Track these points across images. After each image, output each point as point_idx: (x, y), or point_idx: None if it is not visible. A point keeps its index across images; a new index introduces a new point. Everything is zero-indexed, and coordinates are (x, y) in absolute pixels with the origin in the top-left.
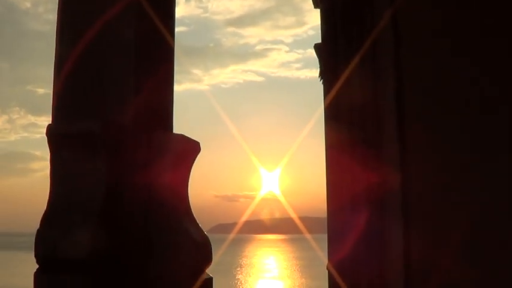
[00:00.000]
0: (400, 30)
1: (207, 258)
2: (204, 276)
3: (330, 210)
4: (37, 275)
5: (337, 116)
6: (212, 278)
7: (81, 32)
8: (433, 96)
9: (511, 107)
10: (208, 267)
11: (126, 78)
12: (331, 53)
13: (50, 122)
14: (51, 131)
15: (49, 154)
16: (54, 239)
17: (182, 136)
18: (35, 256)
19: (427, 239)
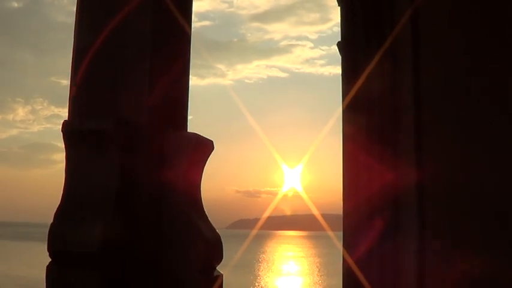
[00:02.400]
0: (419, 29)
1: (218, 256)
2: (214, 273)
3: (346, 208)
4: (49, 268)
5: (355, 113)
6: (222, 274)
7: (98, 29)
8: (450, 96)
9: None
10: (218, 264)
11: (142, 78)
12: (351, 50)
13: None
14: (66, 127)
15: (64, 149)
16: (66, 234)
17: (195, 135)
18: (48, 249)
19: (443, 239)
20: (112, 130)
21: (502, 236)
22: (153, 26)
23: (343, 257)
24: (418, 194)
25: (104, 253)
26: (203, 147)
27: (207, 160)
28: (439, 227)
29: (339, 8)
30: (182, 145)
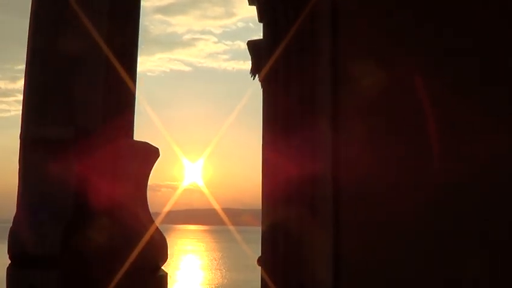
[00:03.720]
0: (338, 24)
1: (164, 256)
2: (160, 272)
3: (265, 206)
4: (9, 269)
5: (274, 110)
6: (167, 274)
7: (51, 41)
8: (369, 93)
9: (445, 96)
10: (163, 264)
11: (96, 89)
12: (270, 53)
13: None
14: (24, 134)
15: (19, 155)
16: (26, 237)
17: (145, 143)
18: (8, 252)
19: (358, 236)
20: (71, 138)
21: (415, 231)
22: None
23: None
24: (333, 192)
25: (63, 255)
26: (152, 154)
27: (153, 166)
28: (353, 218)
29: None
30: (133, 153)
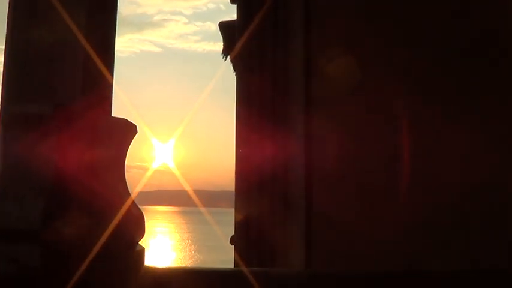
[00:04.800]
0: (310, 10)
1: (141, 231)
2: (137, 247)
3: (238, 187)
4: None
5: (247, 93)
6: (144, 248)
7: (33, 16)
8: (341, 78)
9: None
10: (141, 239)
11: (75, 66)
12: (243, 33)
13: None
14: (4, 111)
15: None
16: (8, 211)
17: (124, 119)
18: None
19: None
20: (50, 114)
21: (388, 212)
22: (87, 24)
23: (235, 231)
24: (306, 171)
25: (45, 229)
26: (129, 130)
27: (131, 142)
28: (325, 206)
29: None
30: (112, 128)
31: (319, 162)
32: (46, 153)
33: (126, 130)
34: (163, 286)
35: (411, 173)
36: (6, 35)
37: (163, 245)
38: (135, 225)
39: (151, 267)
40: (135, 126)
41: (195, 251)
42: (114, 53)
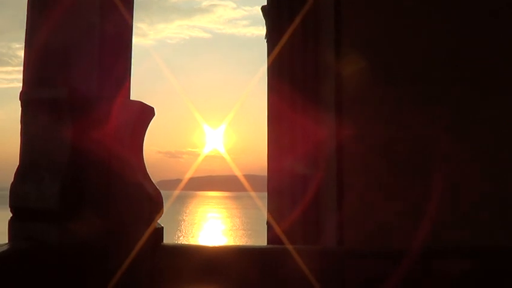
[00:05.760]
0: None
1: (159, 209)
2: (155, 225)
3: (271, 168)
4: (11, 222)
5: (279, 77)
6: (163, 227)
7: (50, 4)
8: (369, 62)
9: (445, 68)
10: (159, 217)
11: (90, 52)
12: (276, 15)
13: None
14: (23, 96)
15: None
16: (26, 191)
17: (139, 102)
18: (9, 206)
19: (360, 193)
20: (65, 98)
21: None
22: (102, 11)
23: (268, 211)
24: (337, 154)
25: (61, 209)
26: (146, 113)
27: (148, 125)
28: (356, 185)
29: None
30: (128, 111)
31: (350, 144)
32: (62, 136)
33: (142, 112)
34: (180, 263)
35: (443, 154)
36: (26, 24)
37: (215, 229)
38: (151, 204)
39: (169, 245)
40: (153, 108)
41: (244, 236)
42: (131, 37)
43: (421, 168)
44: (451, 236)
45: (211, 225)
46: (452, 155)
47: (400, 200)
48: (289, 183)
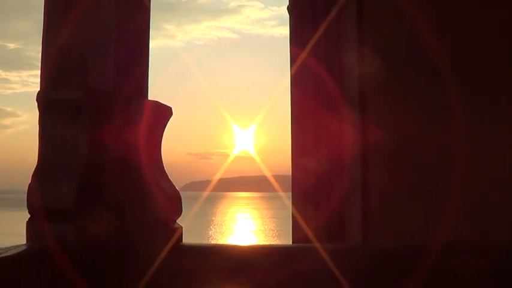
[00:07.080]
0: None
1: (178, 210)
2: (174, 226)
3: (295, 168)
4: (29, 223)
5: (302, 79)
6: (182, 227)
7: (68, 6)
8: (392, 61)
9: (468, 68)
10: (178, 217)
11: (107, 53)
12: (300, 16)
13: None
14: (40, 97)
15: (38, 117)
16: (44, 192)
17: (156, 102)
18: (27, 207)
19: (385, 193)
20: (83, 99)
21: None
22: (117, 12)
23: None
24: (362, 158)
25: (78, 209)
26: (163, 112)
27: (166, 124)
28: (381, 184)
29: None
30: (145, 111)
31: (375, 141)
32: (80, 137)
33: (160, 112)
34: (199, 263)
35: (465, 153)
36: (43, 26)
37: (245, 229)
38: (169, 204)
39: (188, 245)
40: (170, 108)
41: (274, 236)
42: (149, 37)
43: (444, 168)
44: (473, 235)
45: (241, 225)
46: (473, 155)
47: (424, 199)
48: (314, 183)
